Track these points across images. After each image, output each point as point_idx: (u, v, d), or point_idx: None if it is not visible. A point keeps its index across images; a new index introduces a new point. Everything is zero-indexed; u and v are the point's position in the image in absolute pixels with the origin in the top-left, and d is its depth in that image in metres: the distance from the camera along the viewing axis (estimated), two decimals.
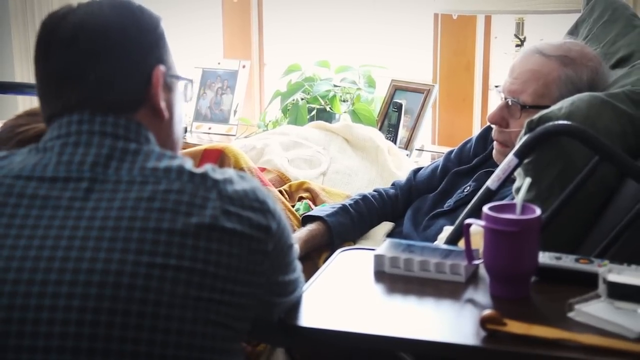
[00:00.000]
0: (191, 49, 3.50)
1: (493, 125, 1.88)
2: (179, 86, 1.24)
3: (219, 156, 1.99)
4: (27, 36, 3.45)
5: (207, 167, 1.14)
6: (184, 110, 1.27)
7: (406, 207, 2.08)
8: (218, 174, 1.13)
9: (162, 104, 1.18)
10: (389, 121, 2.82)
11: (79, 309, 1.03)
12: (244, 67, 3.24)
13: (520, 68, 1.82)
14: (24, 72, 3.47)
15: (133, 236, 1.06)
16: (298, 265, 1.25)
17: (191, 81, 1.27)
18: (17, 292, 1.04)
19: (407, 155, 2.71)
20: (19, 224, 1.08)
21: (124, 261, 1.04)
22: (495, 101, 1.91)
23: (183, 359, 1.05)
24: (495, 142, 1.90)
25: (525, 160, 1.53)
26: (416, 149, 2.84)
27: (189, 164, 1.13)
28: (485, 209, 1.25)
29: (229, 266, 1.08)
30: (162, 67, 1.18)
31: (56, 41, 1.16)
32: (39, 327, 1.03)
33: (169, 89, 1.21)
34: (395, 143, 2.70)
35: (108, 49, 1.15)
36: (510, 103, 1.83)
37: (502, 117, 1.85)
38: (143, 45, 1.17)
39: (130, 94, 1.16)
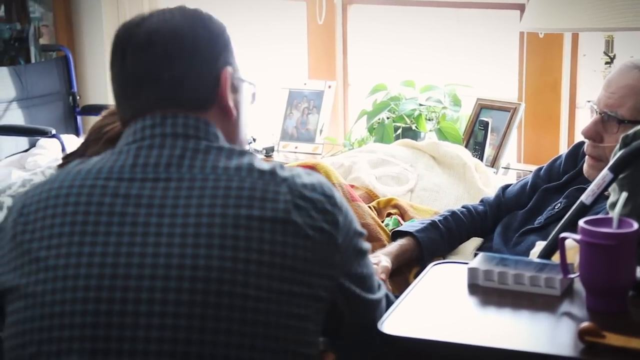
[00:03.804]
0: (278, 69, 3.58)
1: (586, 140, 1.88)
2: (245, 88, 1.30)
3: None
4: None
5: (275, 164, 1.20)
6: (250, 112, 1.33)
7: (495, 223, 2.09)
8: (286, 171, 1.19)
9: (231, 103, 1.25)
10: (475, 139, 2.83)
11: (175, 302, 1.10)
12: (329, 87, 3.29)
13: (618, 83, 1.82)
14: None
15: (215, 231, 1.12)
16: (371, 264, 1.29)
17: (254, 85, 1.33)
18: (115, 285, 1.11)
19: (494, 172, 2.71)
20: (105, 221, 1.15)
21: (210, 256, 1.11)
22: (584, 119, 1.91)
23: (270, 350, 1.11)
24: (587, 157, 1.89)
25: (621, 175, 1.52)
26: (502, 167, 2.84)
27: (257, 161, 1.19)
28: (582, 222, 1.26)
29: (305, 259, 1.14)
30: (229, 69, 1.25)
31: (132, 46, 1.23)
32: (138, 319, 1.10)
33: (235, 89, 1.27)
34: (481, 161, 2.71)
35: (181, 52, 1.22)
36: (606, 117, 1.83)
37: (597, 132, 1.85)
38: (213, 48, 1.25)
39: (201, 94, 1.23)
